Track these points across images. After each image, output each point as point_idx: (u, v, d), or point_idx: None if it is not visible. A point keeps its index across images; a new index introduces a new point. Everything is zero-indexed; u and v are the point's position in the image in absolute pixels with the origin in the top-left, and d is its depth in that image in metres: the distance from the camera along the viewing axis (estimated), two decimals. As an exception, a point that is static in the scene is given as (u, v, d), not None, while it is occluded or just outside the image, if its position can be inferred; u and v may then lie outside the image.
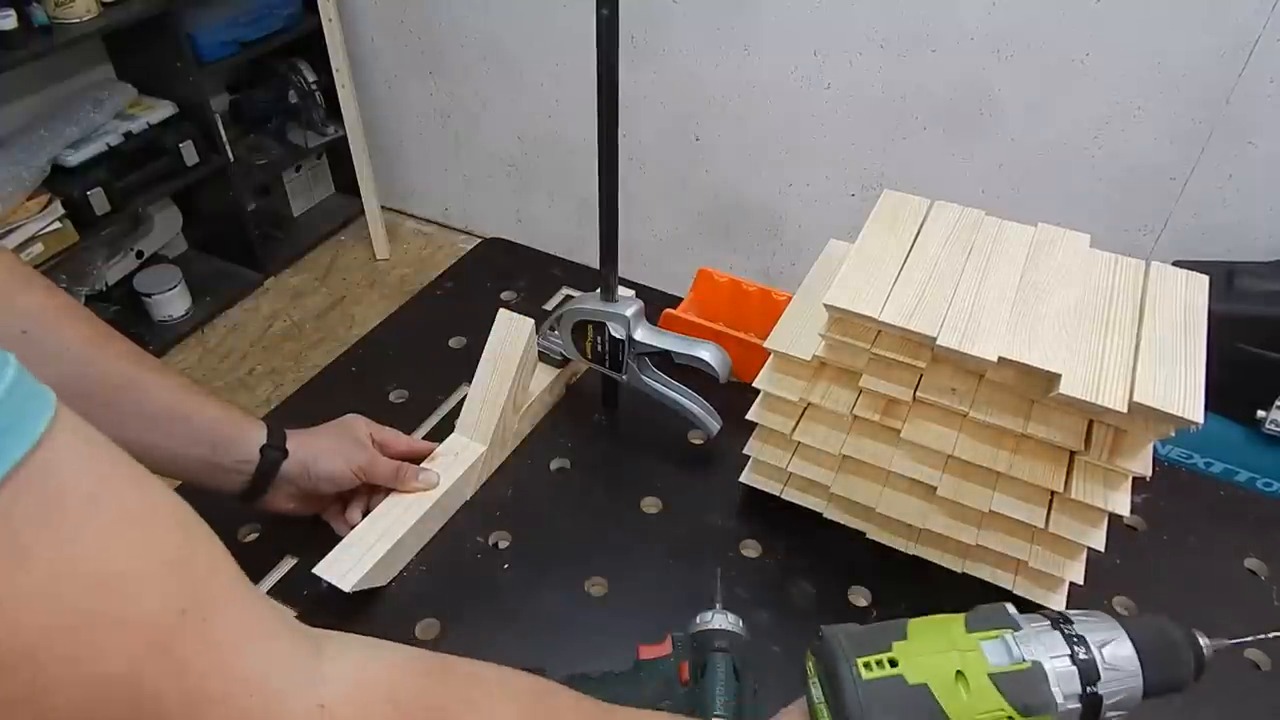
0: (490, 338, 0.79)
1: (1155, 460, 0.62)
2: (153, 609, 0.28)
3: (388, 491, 0.73)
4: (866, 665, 0.49)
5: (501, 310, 0.80)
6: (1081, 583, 0.65)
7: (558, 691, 0.42)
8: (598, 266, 0.75)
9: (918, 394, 0.63)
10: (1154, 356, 0.58)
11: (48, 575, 0.26)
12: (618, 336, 0.77)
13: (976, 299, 0.61)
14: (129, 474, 0.30)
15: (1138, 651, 0.49)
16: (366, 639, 0.36)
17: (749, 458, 0.75)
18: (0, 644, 0.25)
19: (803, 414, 0.70)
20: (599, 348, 0.79)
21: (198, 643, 0.29)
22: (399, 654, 0.36)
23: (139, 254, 2.22)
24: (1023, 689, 0.48)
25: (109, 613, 0.27)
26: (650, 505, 0.78)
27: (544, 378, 0.86)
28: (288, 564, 0.72)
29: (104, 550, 0.27)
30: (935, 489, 0.65)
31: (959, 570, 0.70)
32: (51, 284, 0.60)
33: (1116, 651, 0.49)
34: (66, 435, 0.28)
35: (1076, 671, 0.48)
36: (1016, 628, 0.50)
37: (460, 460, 0.76)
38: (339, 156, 2.52)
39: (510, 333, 0.79)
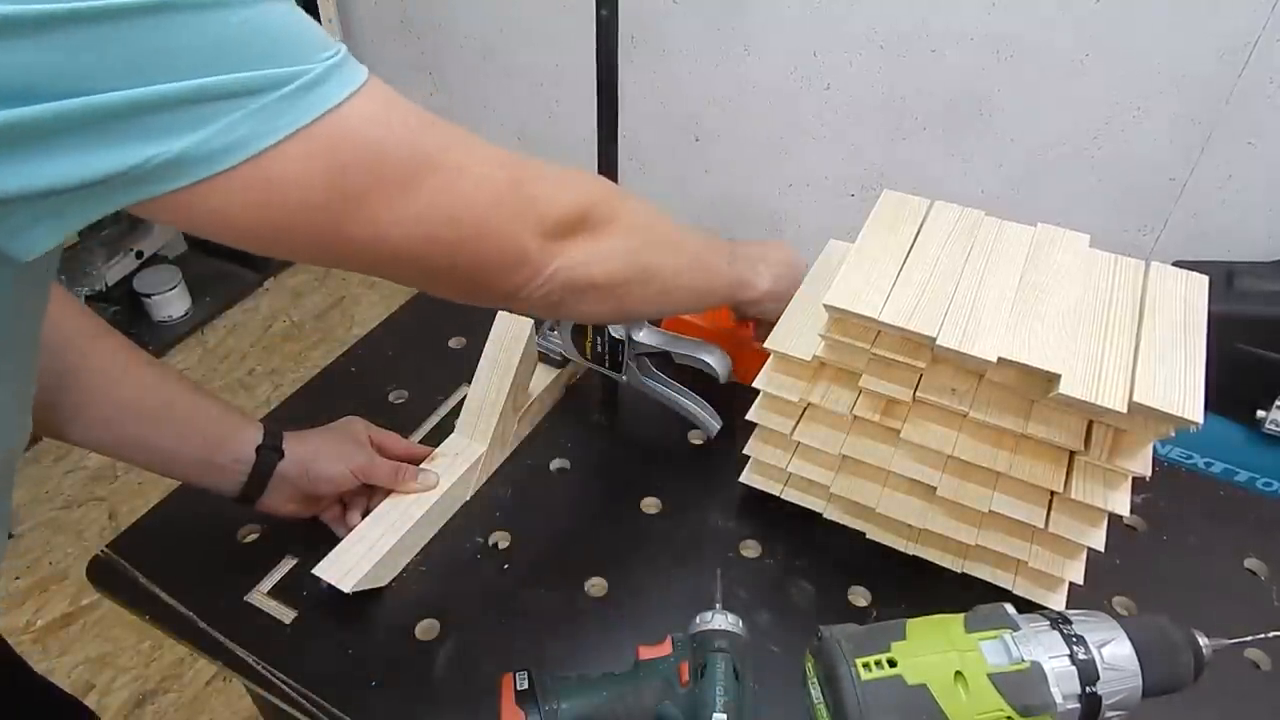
0: (490, 338, 0.79)
1: (1155, 460, 0.62)
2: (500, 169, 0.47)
3: (387, 493, 0.73)
4: (865, 666, 0.49)
5: (501, 310, 0.80)
6: (1081, 583, 0.65)
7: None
8: (597, 267, 0.75)
9: (918, 394, 0.63)
10: (1154, 356, 0.58)
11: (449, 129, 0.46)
12: (617, 337, 0.77)
13: (976, 299, 0.61)
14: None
15: (1137, 652, 0.49)
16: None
17: (749, 458, 0.75)
18: (418, 148, 0.43)
19: (803, 414, 0.70)
20: (599, 348, 0.79)
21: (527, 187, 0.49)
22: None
23: (139, 254, 2.22)
24: (1022, 689, 0.48)
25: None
26: (650, 505, 0.78)
27: (544, 378, 0.86)
28: (288, 564, 0.72)
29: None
30: (935, 489, 0.65)
31: (959, 570, 0.70)
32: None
33: (1116, 651, 0.49)
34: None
35: (1076, 671, 0.48)
36: (1015, 628, 0.51)
37: (460, 461, 0.76)
38: (339, 157, 2.52)
39: (510, 333, 0.79)
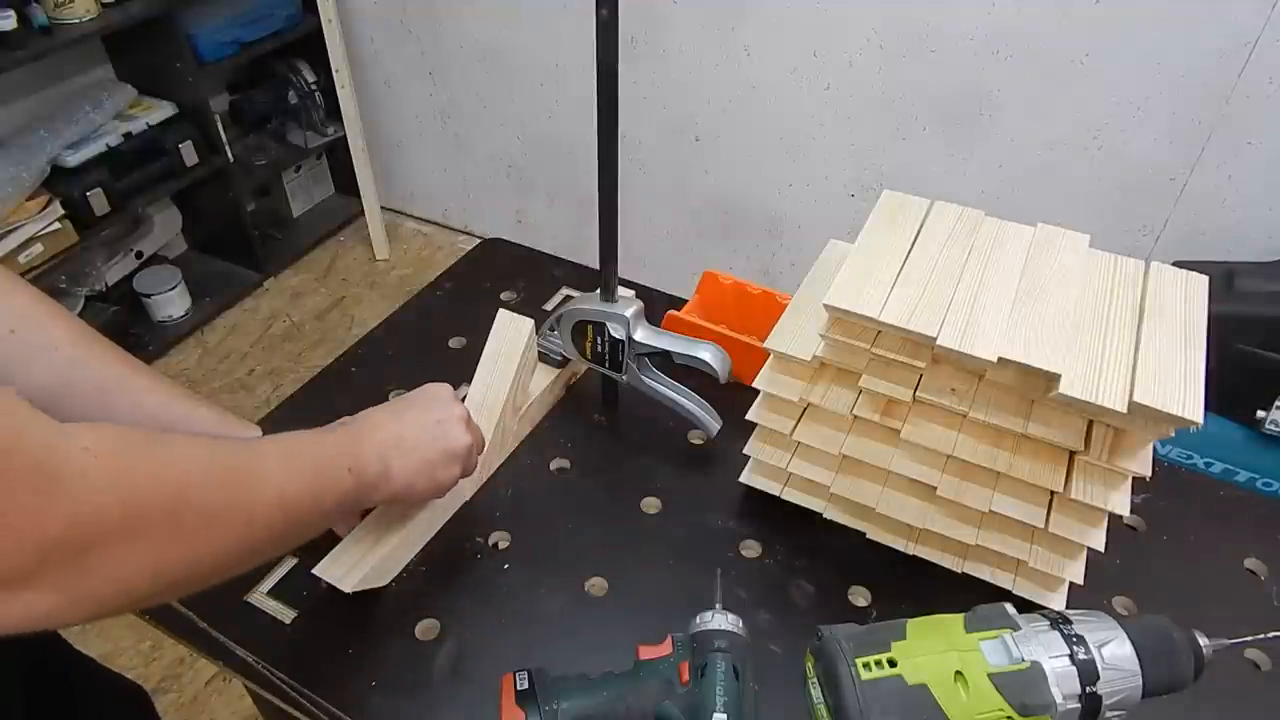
0: (490, 338, 0.79)
1: (1155, 460, 0.62)
2: None
3: (387, 492, 0.72)
4: (866, 665, 0.49)
5: (501, 310, 0.80)
6: (1081, 583, 0.65)
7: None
8: (598, 266, 0.75)
9: (918, 394, 0.63)
10: (1154, 356, 0.58)
11: None
12: (617, 337, 0.77)
13: (976, 299, 0.61)
14: None
15: (1137, 651, 0.49)
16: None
17: (749, 458, 0.75)
18: None
19: (803, 414, 0.70)
20: (599, 348, 0.79)
21: None
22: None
23: (139, 254, 2.22)
24: (1022, 689, 0.48)
25: None
26: (650, 505, 0.78)
27: (544, 378, 0.86)
28: (288, 564, 0.72)
29: None
30: (935, 489, 0.65)
31: (959, 570, 0.70)
32: (35, 289, 0.60)
33: (1116, 651, 0.49)
34: None
35: (1076, 671, 0.48)
36: (1016, 628, 0.51)
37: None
38: (339, 157, 2.52)
39: (510, 333, 0.79)
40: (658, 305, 0.92)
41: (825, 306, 0.62)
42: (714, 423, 0.79)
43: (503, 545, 0.74)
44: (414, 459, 0.62)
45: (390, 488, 0.61)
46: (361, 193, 2.44)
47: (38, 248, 1.82)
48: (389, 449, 0.61)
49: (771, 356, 0.69)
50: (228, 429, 0.66)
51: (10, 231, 1.76)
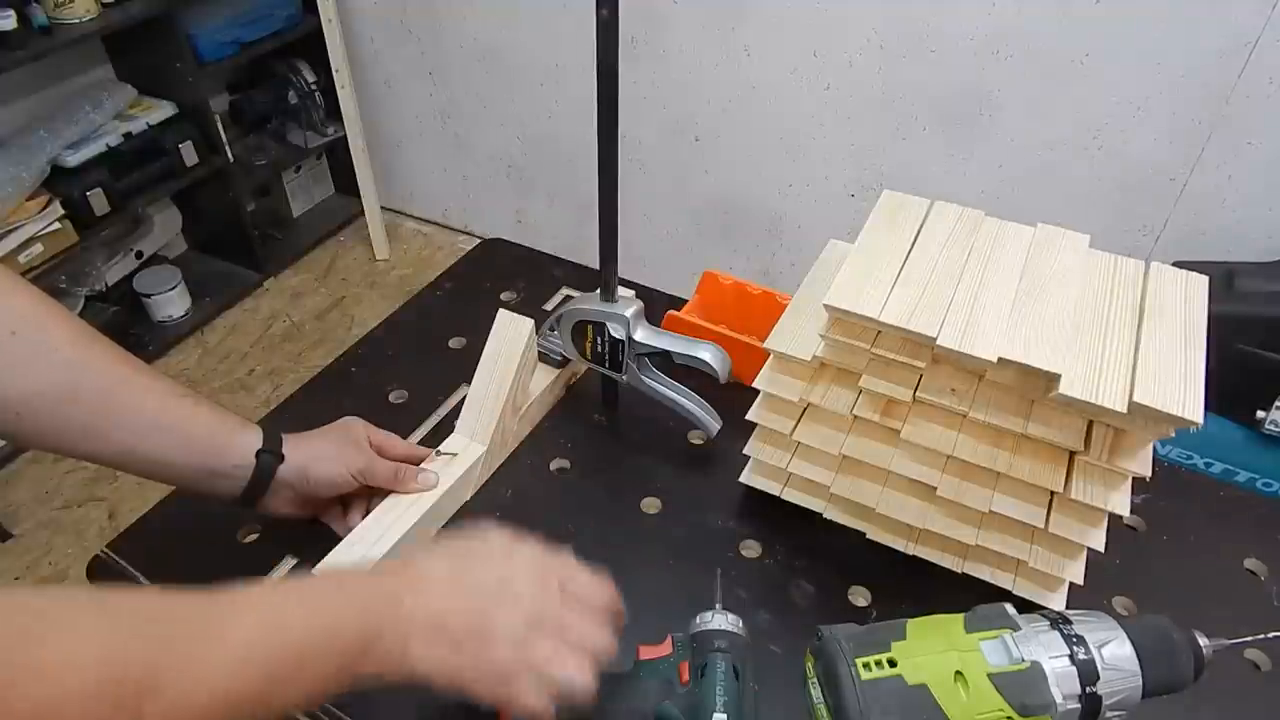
0: (490, 338, 0.79)
1: (1155, 460, 0.62)
2: None
3: (387, 493, 0.73)
4: (866, 665, 0.49)
5: (501, 310, 0.80)
6: (1081, 583, 0.65)
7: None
8: (598, 266, 0.75)
9: (918, 394, 0.63)
10: (1154, 356, 0.58)
11: None
12: (617, 337, 0.77)
13: (976, 299, 0.61)
14: None
15: (1137, 652, 0.49)
16: None
17: (749, 458, 0.75)
18: None
19: (803, 414, 0.70)
20: (599, 348, 0.79)
21: None
22: None
23: (139, 254, 2.23)
24: (1022, 689, 0.48)
25: None
26: (650, 505, 0.78)
27: (544, 378, 0.86)
28: (288, 564, 0.72)
29: None
30: (935, 489, 0.65)
31: (959, 570, 0.70)
32: (36, 289, 0.60)
33: (1116, 652, 0.49)
34: None
35: (1075, 671, 0.48)
36: (1016, 628, 0.51)
37: (459, 461, 0.76)
38: (339, 157, 2.52)
39: (510, 333, 0.79)
40: (658, 305, 0.92)
41: (825, 306, 0.62)
42: (714, 423, 0.79)
43: (503, 545, 0.74)
44: (449, 646, 0.52)
45: (415, 670, 0.52)
46: (361, 193, 2.44)
47: (38, 248, 1.82)
48: (422, 627, 0.52)
49: (771, 356, 0.69)
50: (228, 430, 0.66)
51: (10, 231, 1.76)
